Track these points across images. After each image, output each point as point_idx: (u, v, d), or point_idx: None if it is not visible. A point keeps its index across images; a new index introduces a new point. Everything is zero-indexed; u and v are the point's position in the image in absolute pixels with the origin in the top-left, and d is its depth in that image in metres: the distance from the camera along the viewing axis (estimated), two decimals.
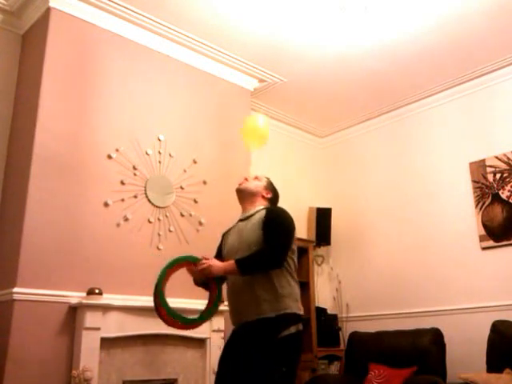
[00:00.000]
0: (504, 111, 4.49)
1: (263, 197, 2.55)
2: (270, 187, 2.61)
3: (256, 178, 2.61)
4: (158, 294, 2.27)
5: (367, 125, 5.52)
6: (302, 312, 2.32)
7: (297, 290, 2.34)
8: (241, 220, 2.52)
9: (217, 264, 2.32)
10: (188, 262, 2.38)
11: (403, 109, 5.21)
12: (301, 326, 2.28)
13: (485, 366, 3.72)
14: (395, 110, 5.26)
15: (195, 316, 2.38)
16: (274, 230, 2.31)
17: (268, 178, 2.64)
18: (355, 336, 4.63)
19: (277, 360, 2.15)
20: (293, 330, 2.22)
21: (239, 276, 2.28)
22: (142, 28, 3.94)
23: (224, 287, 2.45)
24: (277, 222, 2.35)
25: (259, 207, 2.49)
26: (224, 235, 2.61)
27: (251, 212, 2.47)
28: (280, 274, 2.28)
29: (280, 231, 2.33)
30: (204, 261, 2.33)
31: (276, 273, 2.26)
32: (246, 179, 2.59)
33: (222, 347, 2.42)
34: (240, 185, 2.57)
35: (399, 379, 3.90)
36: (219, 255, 2.55)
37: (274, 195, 2.61)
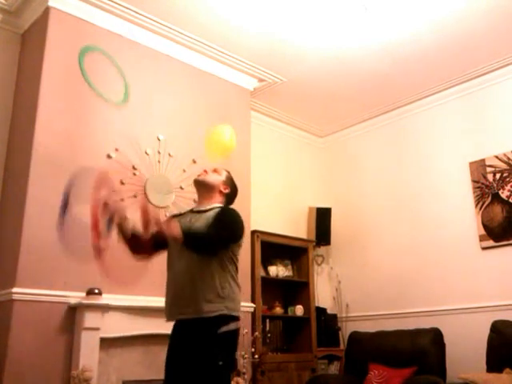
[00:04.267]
0: (504, 111, 4.48)
1: (220, 192, 2.50)
2: (229, 182, 2.56)
3: (215, 170, 2.55)
4: None
5: (367, 124, 5.51)
6: (238, 313, 2.33)
7: (237, 291, 2.35)
8: (193, 211, 2.48)
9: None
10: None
11: (403, 108, 5.20)
12: (239, 325, 2.34)
13: (484, 366, 3.72)
14: (395, 110, 5.26)
15: None
16: (219, 224, 2.29)
17: (228, 172, 2.59)
18: (355, 336, 4.63)
19: (215, 354, 2.19)
20: (232, 326, 2.27)
21: (180, 260, 2.28)
22: (141, 27, 3.94)
23: (164, 279, 2.39)
24: (225, 221, 2.33)
25: (215, 205, 2.44)
26: (174, 217, 2.54)
27: (206, 207, 2.43)
28: (222, 275, 2.28)
29: (225, 227, 2.30)
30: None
31: (219, 274, 2.27)
32: (205, 171, 2.53)
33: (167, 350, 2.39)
34: (198, 176, 2.53)
35: (399, 379, 3.90)
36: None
37: (231, 191, 2.56)
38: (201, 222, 2.33)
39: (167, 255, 2.44)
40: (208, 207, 2.42)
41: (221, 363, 2.19)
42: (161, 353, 3.44)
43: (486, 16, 3.89)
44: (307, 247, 5.06)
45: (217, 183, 2.50)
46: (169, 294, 2.35)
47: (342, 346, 4.96)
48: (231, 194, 2.56)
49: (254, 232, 4.51)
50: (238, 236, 2.38)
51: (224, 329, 2.22)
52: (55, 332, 3.11)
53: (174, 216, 2.56)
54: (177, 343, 2.32)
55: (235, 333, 2.31)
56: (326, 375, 4.55)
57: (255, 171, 4.71)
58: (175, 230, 2.15)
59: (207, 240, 2.24)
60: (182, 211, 2.56)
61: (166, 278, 2.40)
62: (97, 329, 3.16)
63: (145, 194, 3.70)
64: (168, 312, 2.34)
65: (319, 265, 5.39)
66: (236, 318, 2.30)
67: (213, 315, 2.22)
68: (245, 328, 3.95)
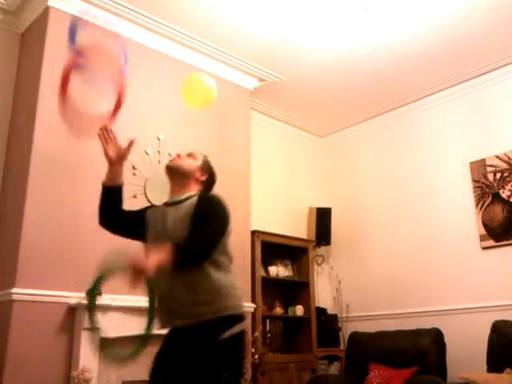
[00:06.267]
0: (504, 110, 4.48)
1: (197, 179, 2.20)
2: (206, 168, 2.25)
3: (190, 155, 2.24)
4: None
5: (367, 124, 5.51)
6: (242, 311, 2.05)
7: (236, 285, 2.06)
8: (167, 204, 2.18)
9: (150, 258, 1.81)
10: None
11: (403, 108, 5.20)
12: (244, 325, 2.03)
13: (485, 366, 3.71)
14: (395, 110, 5.25)
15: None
16: (203, 220, 1.98)
17: (205, 157, 2.29)
18: (355, 336, 4.62)
19: (218, 364, 1.88)
20: (237, 329, 1.97)
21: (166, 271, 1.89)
22: (141, 27, 3.93)
23: None
24: (209, 213, 2.01)
25: (190, 193, 2.14)
26: (147, 209, 2.28)
27: (181, 197, 2.13)
28: (217, 272, 1.99)
29: (211, 222, 1.99)
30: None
31: (213, 270, 1.98)
32: (179, 156, 2.22)
33: (154, 357, 2.07)
34: (170, 162, 2.23)
35: (399, 379, 3.89)
36: (135, 217, 2.22)
37: (209, 178, 2.25)
38: (179, 219, 2.02)
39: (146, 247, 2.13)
40: (183, 196, 2.13)
41: (225, 376, 1.88)
42: None
43: (485, 16, 3.88)
44: (307, 247, 5.06)
45: (192, 169, 2.19)
46: (160, 302, 2.02)
47: (343, 346, 4.95)
48: (209, 181, 2.25)
49: (254, 232, 4.50)
50: (227, 225, 2.07)
51: (228, 333, 1.93)
52: (55, 332, 3.10)
53: (147, 208, 2.30)
54: (172, 349, 2.02)
55: (241, 336, 2.00)
56: (327, 375, 4.55)
57: (255, 171, 4.71)
58: (163, 258, 1.81)
59: (197, 254, 1.94)
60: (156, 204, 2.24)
61: None
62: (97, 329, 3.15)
63: (145, 193, 3.69)
64: (162, 322, 2.05)
65: (319, 265, 5.38)
66: (240, 318, 2.02)
67: (215, 317, 1.94)
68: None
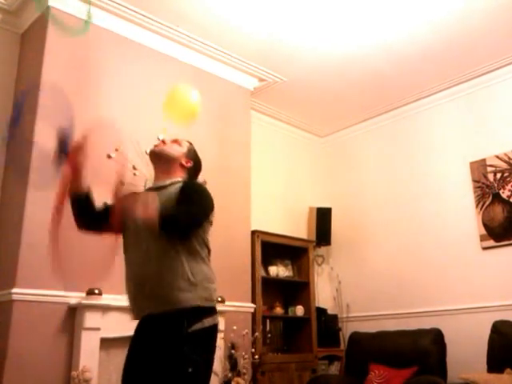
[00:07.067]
0: (504, 110, 4.47)
1: (182, 165, 2.16)
2: (192, 155, 2.22)
3: (175, 141, 2.21)
4: None
5: (367, 124, 5.51)
6: (214, 305, 1.99)
7: (211, 278, 2.00)
8: (151, 189, 2.13)
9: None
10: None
11: (403, 108, 5.20)
12: (217, 320, 1.97)
13: (485, 366, 3.71)
14: (395, 110, 5.25)
15: None
16: (187, 199, 1.96)
17: (190, 144, 2.26)
18: (355, 336, 4.62)
19: (184, 358, 1.82)
20: (206, 323, 1.90)
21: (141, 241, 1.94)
22: (141, 27, 3.93)
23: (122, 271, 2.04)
24: (193, 195, 2.00)
25: (175, 179, 2.10)
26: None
27: (165, 183, 2.09)
28: (192, 259, 1.95)
29: (195, 203, 1.97)
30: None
31: (187, 257, 1.94)
32: (164, 142, 2.19)
33: (128, 349, 2.02)
34: (155, 147, 2.19)
35: (400, 379, 3.89)
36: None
37: (194, 165, 2.22)
38: (162, 201, 1.93)
39: (123, 239, 2.11)
40: (168, 182, 2.09)
41: (190, 370, 1.81)
42: None
43: (485, 16, 3.88)
44: (307, 247, 5.05)
45: (177, 155, 2.16)
46: (130, 286, 2.00)
47: (343, 347, 4.95)
48: (194, 168, 2.22)
49: (254, 232, 4.50)
50: (209, 210, 2.04)
51: (197, 326, 1.86)
52: (55, 332, 3.10)
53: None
54: (139, 344, 1.96)
55: (211, 330, 1.93)
56: (327, 375, 4.55)
57: (255, 171, 4.71)
58: (152, 210, 1.81)
59: (182, 221, 1.91)
60: (137, 190, 2.18)
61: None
62: (97, 329, 3.15)
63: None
64: (133, 308, 2.00)
65: (319, 265, 5.38)
66: (212, 311, 1.96)
67: (185, 306, 1.88)
68: (245, 328, 3.96)
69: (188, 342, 1.84)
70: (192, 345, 1.84)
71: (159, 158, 2.16)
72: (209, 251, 2.06)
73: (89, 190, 2.15)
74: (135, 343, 1.99)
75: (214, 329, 1.95)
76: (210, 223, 2.08)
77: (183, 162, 2.17)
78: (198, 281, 1.93)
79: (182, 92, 2.36)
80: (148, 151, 2.18)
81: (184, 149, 2.20)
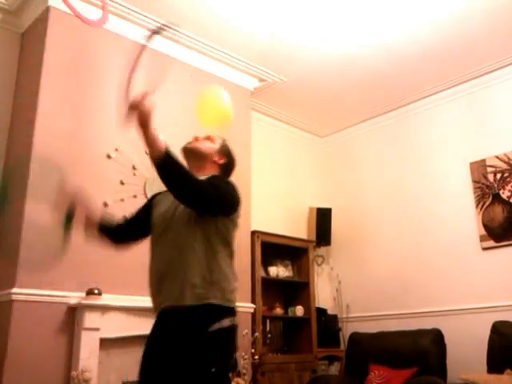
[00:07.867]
0: (504, 111, 4.47)
1: (214, 162, 2.11)
2: (225, 151, 2.16)
3: (208, 138, 2.17)
4: None
5: (367, 124, 5.51)
6: (233, 305, 1.91)
7: (231, 278, 1.92)
8: None
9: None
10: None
11: (403, 108, 5.20)
12: (235, 321, 1.89)
13: (485, 366, 3.71)
14: (395, 110, 5.25)
15: None
16: (211, 184, 1.91)
17: (224, 140, 2.21)
18: (355, 336, 4.62)
19: (207, 358, 1.78)
20: (226, 323, 1.84)
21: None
22: (141, 27, 3.93)
23: (146, 259, 2.03)
24: (218, 184, 1.93)
25: (207, 176, 2.01)
26: (154, 198, 2.19)
27: None
28: (211, 256, 1.88)
29: (218, 189, 1.90)
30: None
31: (207, 253, 1.88)
32: (196, 138, 2.16)
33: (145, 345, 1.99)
34: (188, 143, 2.16)
35: (399, 380, 3.89)
36: (140, 217, 2.18)
37: (228, 162, 2.16)
38: None
39: (150, 241, 2.07)
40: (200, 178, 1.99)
41: (214, 370, 1.77)
42: None
43: (486, 16, 3.88)
44: (307, 247, 5.05)
45: (209, 152, 2.11)
46: (152, 279, 1.96)
47: (343, 347, 4.95)
48: (227, 165, 2.15)
49: (254, 232, 4.50)
50: (236, 202, 1.96)
51: (216, 326, 1.80)
52: (55, 332, 3.10)
53: (153, 197, 2.21)
54: (156, 340, 1.92)
55: (231, 331, 1.87)
56: (327, 376, 4.55)
57: (255, 171, 4.70)
58: (159, 143, 1.87)
59: (207, 192, 1.84)
60: (163, 190, 2.06)
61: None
62: (97, 329, 3.15)
63: (145, 194, 3.69)
64: (153, 301, 1.96)
65: (319, 265, 5.38)
66: (231, 312, 1.88)
67: (198, 304, 1.81)
68: (245, 328, 3.95)
69: (209, 342, 1.79)
70: (213, 345, 1.80)
71: (191, 155, 2.12)
72: (231, 253, 1.98)
73: (102, 217, 2.22)
74: (152, 339, 1.95)
75: (231, 330, 1.88)
76: (234, 224, 2.00)
77: (216, 159, 2.12)
78: (214, 279, 1.85)
79: (213, 96, 2.37)
80: (181, 148, 2.16)
81: (216, 145, 2.15)
